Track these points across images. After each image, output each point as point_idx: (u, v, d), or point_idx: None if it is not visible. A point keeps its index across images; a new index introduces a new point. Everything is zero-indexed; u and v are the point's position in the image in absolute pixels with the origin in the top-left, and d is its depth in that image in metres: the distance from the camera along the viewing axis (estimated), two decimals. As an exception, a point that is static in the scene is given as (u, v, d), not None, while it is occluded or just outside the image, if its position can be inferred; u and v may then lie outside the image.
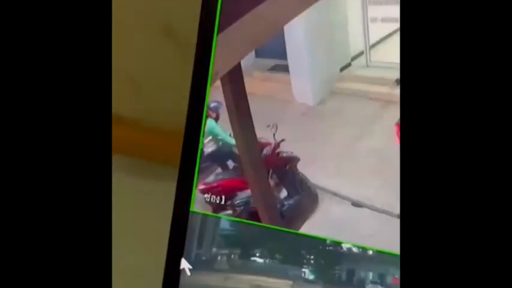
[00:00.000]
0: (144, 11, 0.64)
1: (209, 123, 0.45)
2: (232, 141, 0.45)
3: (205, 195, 0.46)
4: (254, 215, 0.45)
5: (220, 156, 0.46)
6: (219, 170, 0.47)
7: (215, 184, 0.46)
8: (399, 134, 0.42)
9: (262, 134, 0.45)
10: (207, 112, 0.45)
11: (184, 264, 0.46)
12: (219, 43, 0.44)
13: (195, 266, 0.46)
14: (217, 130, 0.46)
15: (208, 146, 0.46)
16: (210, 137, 0.46)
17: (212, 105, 0.45)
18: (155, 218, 0.47)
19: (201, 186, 0.46)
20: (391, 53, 0.44)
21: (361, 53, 0.46)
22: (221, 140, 0.46)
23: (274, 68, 0.47)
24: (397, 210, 0.41)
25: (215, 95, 0.45)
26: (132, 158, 0.64)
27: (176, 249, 0.46)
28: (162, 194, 0.47)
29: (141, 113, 0.67)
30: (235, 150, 0.45)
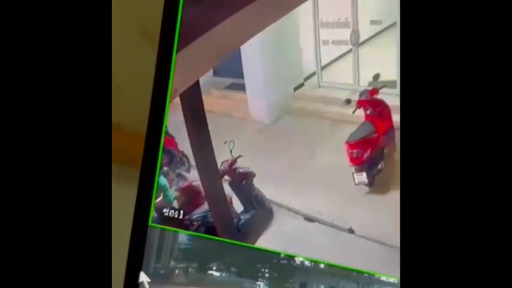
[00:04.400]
0: (120, 13, 0.64)
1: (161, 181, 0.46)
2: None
3: (164, 210, 0.47)
4: (211, 229, 0.46)
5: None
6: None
7: None
8: (349, 151, 0.44)
9: (220, 150, 0.46)
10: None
11: (143, 278, 0.46)
12: (178, 61, 0.45)
13: (154, 279, 0.46)
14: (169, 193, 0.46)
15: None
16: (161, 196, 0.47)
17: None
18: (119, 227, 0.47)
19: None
20: (341, 74, 0.47)
21: (313, 74, 0.48)
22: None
23: (231, 87, 0.48)
24: (347, 224, 0.42)
25: (174, 112, 0.46)
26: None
27: (135, 262, 0.47)
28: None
29: (119, 116, 0.67)
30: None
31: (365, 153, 0.44)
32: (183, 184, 0.46)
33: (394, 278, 0.38)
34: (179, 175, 0.46)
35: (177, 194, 0.46)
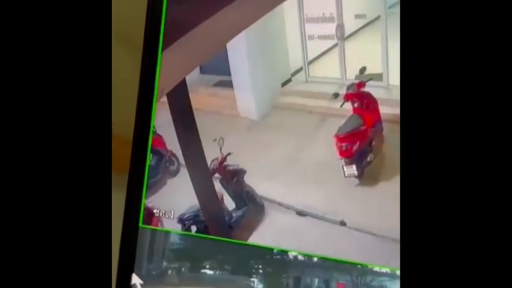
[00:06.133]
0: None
1: None
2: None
3: (155, 210, 0.47)
4: (203, 228, 0.46)
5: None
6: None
7: None
8: (338, 145, 0.45)
9: (209, 148, 0.46)
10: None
11: (135, 280, 0.46)
12: (164, 60, 0.45)
13: (146, 280, 0.46)
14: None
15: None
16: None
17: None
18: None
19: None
20: (328, 68, 0.47)
21: (300, 69, 0.48)
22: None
23: (218, 84, 0.48)
24: (338, 217, 0.43)
25: (162, 111, 0.46)
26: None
27: (126, 264, 0.46)
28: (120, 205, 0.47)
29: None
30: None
31: (354, 146, 0.45)
32: None
33: (387, 268, 0.39)
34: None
35: None
